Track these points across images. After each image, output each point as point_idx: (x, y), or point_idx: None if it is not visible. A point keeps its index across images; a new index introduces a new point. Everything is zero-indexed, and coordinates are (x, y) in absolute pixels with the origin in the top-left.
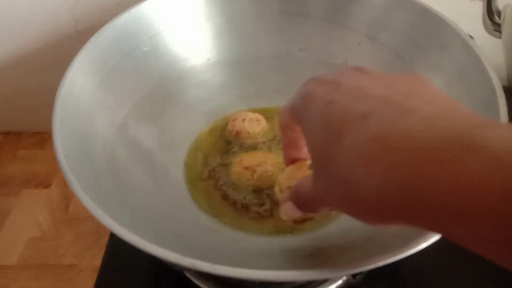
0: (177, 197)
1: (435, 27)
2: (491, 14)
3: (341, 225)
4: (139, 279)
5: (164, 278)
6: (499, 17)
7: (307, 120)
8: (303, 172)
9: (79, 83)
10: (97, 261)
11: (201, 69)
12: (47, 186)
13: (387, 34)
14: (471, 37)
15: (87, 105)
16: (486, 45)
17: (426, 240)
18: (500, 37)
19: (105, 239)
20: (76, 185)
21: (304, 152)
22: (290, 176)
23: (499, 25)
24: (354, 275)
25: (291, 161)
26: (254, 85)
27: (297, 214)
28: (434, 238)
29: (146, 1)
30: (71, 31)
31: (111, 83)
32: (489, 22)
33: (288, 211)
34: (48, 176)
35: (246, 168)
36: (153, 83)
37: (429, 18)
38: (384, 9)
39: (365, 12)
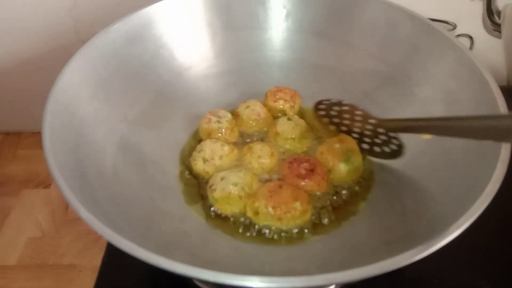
0: (174, 204)
1: (426, 36)
2: (491, 14)
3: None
4: (139, 279)
5: (164, 278)
6: (499, 17)
7: None
8: (285, 191)
9: (72, 89)
10: (97, 261)
11: (203, 77)
12: (47, 186)
13: (378, 45)
14: (471, 37)
15: (81, 111)
16: (486, 45)
17: (425, 250)
18: (500, 37)
19: (105, 239)
20: (73, 198)
21: None
22: (272, 194)
23: (499, 25)
24: None
25: None
26: (255, 91)
27: None
28: (434, 248)
29: (147, 8)
30: (71, 31)
31: (107, 90)
32: (489, 22)
33: None
34: (48, 176)
35: None
36: (153, 90)
37: (419, 27)
38: (374, 20)
39: (356, 24)
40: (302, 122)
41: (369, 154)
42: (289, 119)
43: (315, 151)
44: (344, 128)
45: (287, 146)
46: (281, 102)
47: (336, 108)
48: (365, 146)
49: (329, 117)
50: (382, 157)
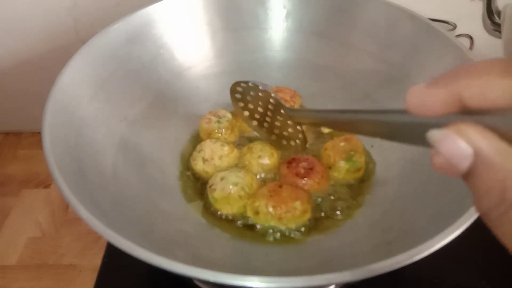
0: (174, 204)
1: (426, 36)
2: (491, 14)
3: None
4: (139, 279)
5: (164, 278)
6: (499, 17)
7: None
8: (285, 191)
9: (72, 89)
10: (97, 261)
11: (203, 77)
12: (47, 186)
13: (378, 45)
14: (471, 37)
15: (81, 111)
16: (486, 45)
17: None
18: (500, 37)
19: (105, 239)
20: (73, 198)
21: None
22: (272, 194)
23: (499, 25)
24: None
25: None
26: None
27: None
28: (432, 249)
29: (147, 8)
30: (70, 31)
31: (107, 90)
32: (489, 22)
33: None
34: (48, 176)
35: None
36: (153, 90)
37: (419, 27)
38: (374, 20)
39: (356, 24)
40: None
41: (276, 146)
42: None
43: (315, 150)
44: (257, 116)
45: None
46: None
47: (252, 93)
48: (273, 137)
49: (245, 102)
50: (287, 150)
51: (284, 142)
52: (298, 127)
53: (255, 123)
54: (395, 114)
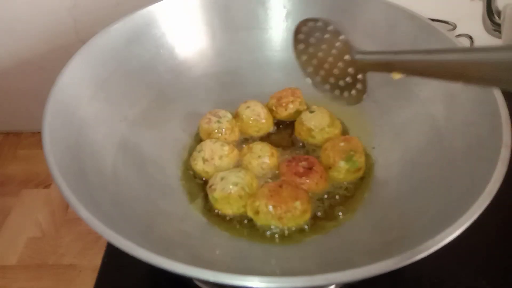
0: (174, 204)
1: (426, 36)
2: (491, 14)
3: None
4: (139, 279)
5: (164, 278)
6: (499, 17)
7: None
8: (285, 191)
9: (72, 89)
10: (97, 261)
11: (203, 77)
12: (47, 186)
13: (378, 45)
14: (471, 37)
15: (81, 111)
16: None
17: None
18: (500, 37)
19: (105, 239)
20: (73, 198)
21: None
22: (272, 194)
23: (499, 25)
24: None
25: None
26: (255, 91)
27: None
28: (427, 252)
29: (147, 8)
30: (71, 31)
31: (107, 90)
32: (489, 22)
33: None
34: (48, 176)
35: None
36: (153, 90)
37: (419, 27)
38: (374, 20)
39: (356, 24)
40: (321, 108)
41: (329, 96)
42: (311, 112)
43: (317, 151)
44: (314, 62)
45: (325, 136)
46: (291, 105)
47: (318, 34)
48: (327, 86)
49: (306, 45)
50: (339, 101)
51: (338, 92)
52: (359, 76)
53: (310, 69)
54: (490, 52)
